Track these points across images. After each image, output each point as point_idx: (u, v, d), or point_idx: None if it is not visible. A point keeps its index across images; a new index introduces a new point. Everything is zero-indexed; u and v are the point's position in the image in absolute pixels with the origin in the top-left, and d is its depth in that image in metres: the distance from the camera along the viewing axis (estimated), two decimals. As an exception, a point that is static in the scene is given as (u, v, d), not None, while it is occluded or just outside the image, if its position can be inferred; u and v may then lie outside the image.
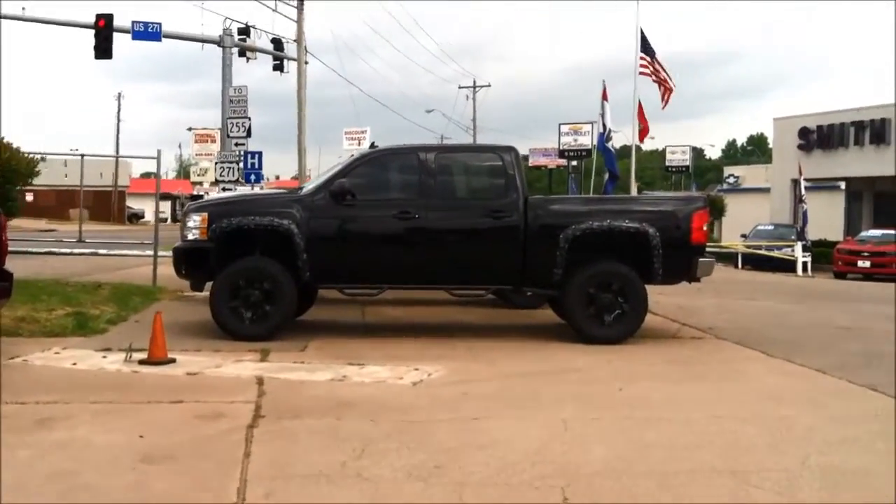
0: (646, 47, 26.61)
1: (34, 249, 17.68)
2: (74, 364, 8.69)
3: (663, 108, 25.86)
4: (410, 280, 10.72)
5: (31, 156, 13.17)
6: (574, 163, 51.03)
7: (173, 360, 8.84)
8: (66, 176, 71.08)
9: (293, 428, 6.39)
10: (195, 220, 10.42)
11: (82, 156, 19.02)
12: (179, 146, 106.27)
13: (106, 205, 74.77)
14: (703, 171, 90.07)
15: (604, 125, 19.22)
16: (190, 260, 10.51)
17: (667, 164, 62.69)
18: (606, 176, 19.60)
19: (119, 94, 76.73)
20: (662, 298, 14.52)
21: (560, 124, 54.76)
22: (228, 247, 10.40)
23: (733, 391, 7.98)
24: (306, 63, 36.42)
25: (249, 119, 25.63)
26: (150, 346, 8.84)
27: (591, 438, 6.24)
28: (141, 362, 8.73)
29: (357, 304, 13.41)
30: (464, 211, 10.69)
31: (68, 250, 17.67)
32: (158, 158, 15.52)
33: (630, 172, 42.22)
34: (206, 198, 14.19)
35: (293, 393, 7.60)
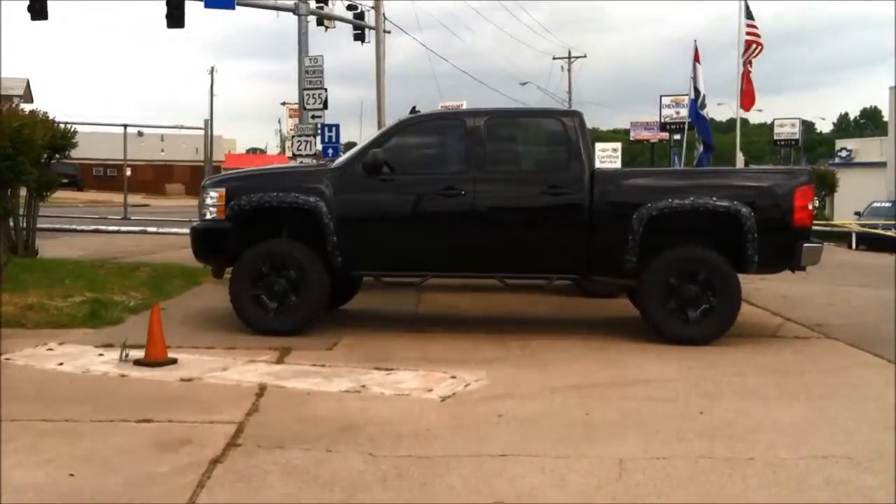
0: (749, 14, 24.73)
1: (82, 228, 16.89)
2: (60, 364, 7.57)
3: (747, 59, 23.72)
4: (456, 267, 9.25)
5: (67, 126, 12.16)
6: (677, 136, 48.86)
7: (174, 361, 7.64)
8: (162, 151, 71.93)
9: (266, 465, 5.02)
10: (212, 197, 9.15)
11: (125, 126, 18.15)
12: (279, 121, 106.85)
13: (201, 180, 75.26)
14: (813, 145, 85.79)
15: (696, 90, 17.23)
16: (207, 242, 9.27)
17: (775, 137, 59.85)
18: (700, 147, 17.60)
19: (212, 69, 76.28)
20: (765, 285, 12.73)
21: (661, 96, 52.36)
22: (249, 227, 9.12)
23: (844, 415, 6.27)
24: (387, 32, 35.26)
25: (326, 90, 24.57)
26: (146, 344, 7.63)
27: (651, 490, 4.70)
28: (136, 363, 7.55)
29: (413, 291, 12.00)
30: (518, 186, 9.13)
31: (115, 228, 16.76)
32: (208, 129, 14.48)
33: (735, 145, 39.78)
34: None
35: (291, 410, 6.25)
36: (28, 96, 63.86)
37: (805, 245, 8.83)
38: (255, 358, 7.91)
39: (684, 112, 48.04)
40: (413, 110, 9.61)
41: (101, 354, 7.94)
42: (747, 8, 24.57)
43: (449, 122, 9.47)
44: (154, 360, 7.53)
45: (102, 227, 16.97)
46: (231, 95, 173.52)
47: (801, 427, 5.95)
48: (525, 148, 9.64)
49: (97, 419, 5.89)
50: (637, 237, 8.78)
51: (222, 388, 6.87)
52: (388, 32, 37.15)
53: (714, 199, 8.78)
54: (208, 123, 14.05)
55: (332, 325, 9.59)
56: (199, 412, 6.08)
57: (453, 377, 7.26)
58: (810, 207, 8.91)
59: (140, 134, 74.34)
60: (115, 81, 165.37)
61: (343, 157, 9.41)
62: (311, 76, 25.12)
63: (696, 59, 17.31)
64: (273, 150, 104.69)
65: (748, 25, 24.95)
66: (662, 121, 51.04)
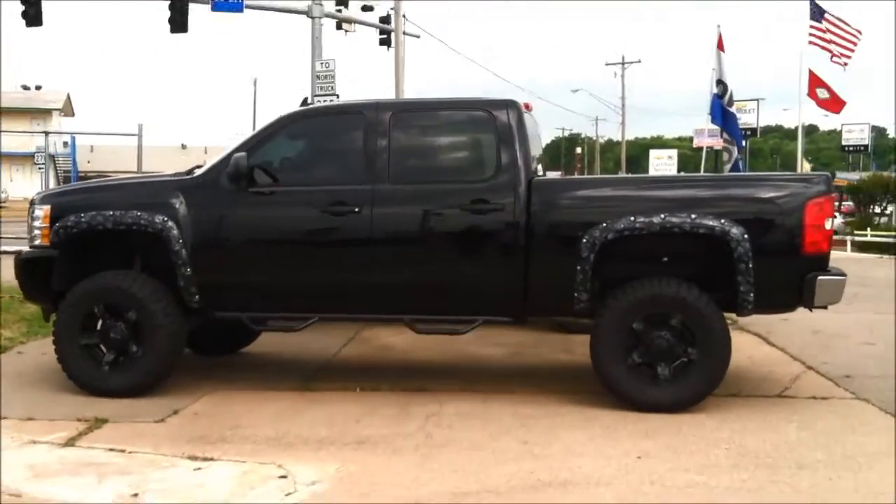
0: (814, 12, 22.14)
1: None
2: None
3: (844, 64, 21.14)
4: (351, 308, 6.99)
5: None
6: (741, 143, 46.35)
7: (-77, 444, 5.56)
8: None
9: None
10: (38, 217, 7.10)
11: (46, 133, 16.20)
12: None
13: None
14: (884, 150, 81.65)
15: (721, 83, 14.62)
16: (29, 275, 7.18)
17: (843, 143, 57.06)
18: (734, 151, 14.98)
19: (255, 80, 74.82)
20: (796, 315, 10.11)
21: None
22: (81, 257, 7.06)
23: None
24: (415, 36, 33.35)
25: (338, 96, 22.77)
26: None
27: None
28: None
29: (353, 326, 9.81)
30: (431, 201, 6.81)
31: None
32: (140, 134, 12.56)
33: (797, 152, 36.94)
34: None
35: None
36: (69, 110, 63.67)
37: (820, 278, 6.43)
38: (40, 437, 5.82)
39: (747, 118, 45.46)
40: (304, 102, 7.40)
41: None
42: (813, 8, 22.03)
43: (344, 118, 7.23)
44: None
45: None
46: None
47: None
48: (442, 150, 7.32)
49: None
50: (588, 268, 6.48)
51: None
52: (418, 37, 35.43)
53: (693, 216, 6.44)
54: (141, 128, 12.20)
55: (204, 378, 7.49)
56: None
57: (283, 476, 5.06)
58: (828, 227, 6.50)
59: (183, 147, 73.89)
60: (172, 96, 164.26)
61: (207, 164, 7.26)
62: (322, 81, 23.44)
63: (720, 46, 14.65)
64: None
65: (812, 27, 22.47)
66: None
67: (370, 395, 7.00)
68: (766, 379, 7.67)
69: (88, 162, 64.88)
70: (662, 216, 6.46)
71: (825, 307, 6.78)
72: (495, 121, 6.83)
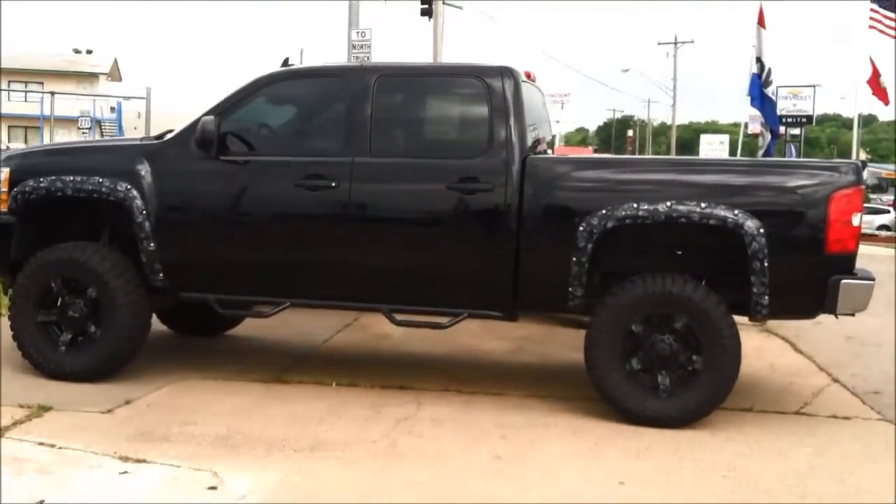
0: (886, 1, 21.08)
1: None
2: None
3: None
4: (324, 294, 6.38)
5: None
6: (796, 130, 45.07)
7: None
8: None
9: None
10: (-1, 181, 6.61)
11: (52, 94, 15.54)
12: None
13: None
14: (946, 143, 79.01)
15: (759, 61, 13.68)
16: None
17: (901, 134, 55.25)
18: (767, 135, 14.12)
19: (301, 51, 74.22)
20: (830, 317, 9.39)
21: (778, 87, 48.29)
22: (43, 225, 6.57)
23: None
24: (457, 7, 32.64)
25: (374, 67, 22.11)
26: None
27: None
28: None
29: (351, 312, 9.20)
30: (414, 177, 6.19)
31: None
32: (148, 98, 12.10)
33: (853, 142, 35.79)
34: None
35: None
36: (116, 75, 63.71)
37: (844, 282, 5.69)
38: (-28, 425, 5.33)
39: (802, 104, 44.16)
40: (286, 63, 6.76)
41: None
42: (881, -7, 21.02)
43: (326, 81, 6.60)
44: None
45: None
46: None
47: None
48: (429, 121, 6.64)
49: None
50: (584, 259, 5.81)
51: None
52: (460, 8, 34.59)
53: (703, 205, 5.73)
54: (149, 91, 11.75)
55: (175, 363, 7.00)
56: None
57: (213, 487, 4.49)
58: (855, 223, 5.75)
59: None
60: (218, 65, 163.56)
61: (178, 129, 6.67)
62: (358, 51, 22.75)
63: (761, 23, 13.74)
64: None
65: (873, 11, 21.43)
66: (779, 113, 48.20)
67: (344, 392, 6.43)
68: (785, 392, 6.93)
69: (135, 128, 64.98)
70: (669, 204, 5.76)
71: (852, 314, 6.06)
72: (488, 90, 6.15)
